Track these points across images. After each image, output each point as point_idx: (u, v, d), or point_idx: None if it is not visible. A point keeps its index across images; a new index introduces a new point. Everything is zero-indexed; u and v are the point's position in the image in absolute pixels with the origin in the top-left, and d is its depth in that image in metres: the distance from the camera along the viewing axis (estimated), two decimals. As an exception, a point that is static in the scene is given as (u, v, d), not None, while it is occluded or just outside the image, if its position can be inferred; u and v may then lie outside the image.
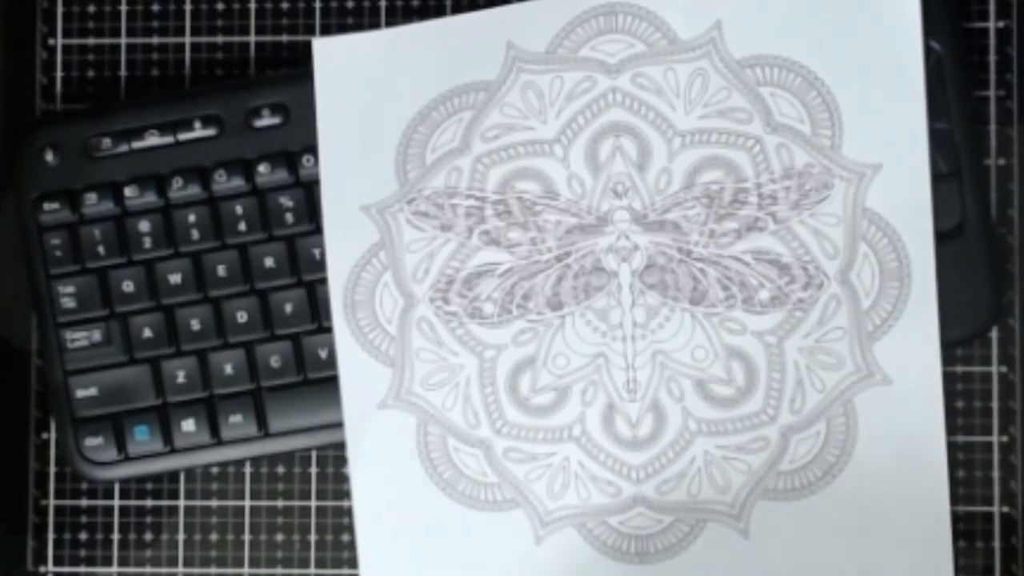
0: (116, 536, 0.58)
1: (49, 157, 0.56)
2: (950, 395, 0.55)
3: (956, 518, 0.55)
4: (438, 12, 0.57)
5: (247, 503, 0.57)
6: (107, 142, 0.56)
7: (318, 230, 0.55)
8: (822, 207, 0.53)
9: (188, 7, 0.58)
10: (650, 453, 0.54)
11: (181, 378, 0.55)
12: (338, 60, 0.55)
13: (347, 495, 0.57)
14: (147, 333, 0.55)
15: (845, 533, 0.53)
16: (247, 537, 0.57)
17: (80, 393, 0.56)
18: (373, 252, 0.54)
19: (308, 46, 0.56)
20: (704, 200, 0.54)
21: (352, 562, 0.57)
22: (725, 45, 0.53)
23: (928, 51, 0.53)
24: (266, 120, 0.55)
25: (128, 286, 0.56)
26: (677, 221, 0.54)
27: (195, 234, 0.55)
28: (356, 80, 0.55)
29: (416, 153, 0.54)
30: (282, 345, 0.55)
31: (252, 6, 0.58)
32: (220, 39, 0.58)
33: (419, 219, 0.54)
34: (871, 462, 0.53)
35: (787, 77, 0.53)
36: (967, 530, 0.55)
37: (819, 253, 0.53)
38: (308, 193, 0.55)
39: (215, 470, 0.57)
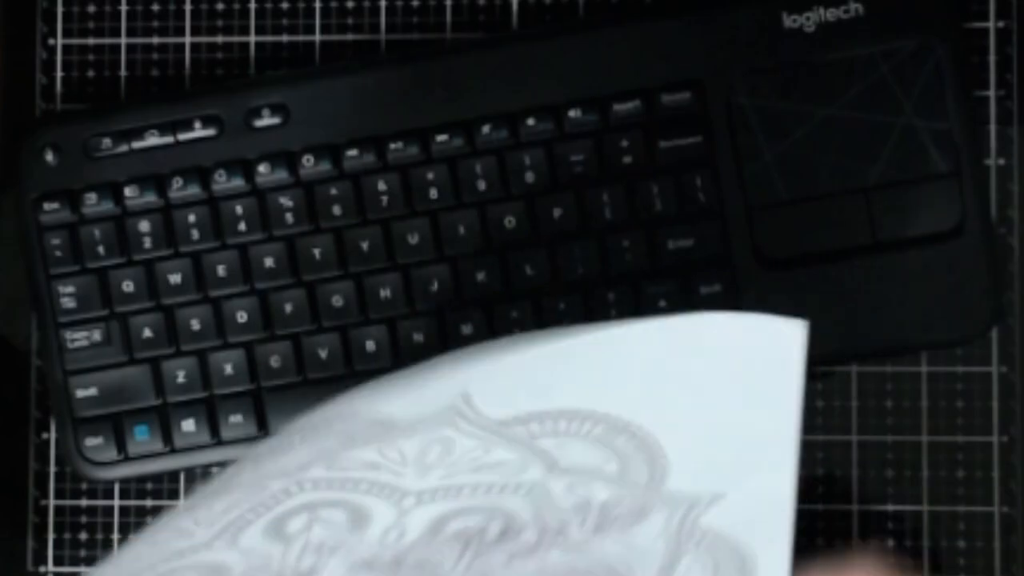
0: (116, 536, 0.58)
1: (49, 157, 0.56)
2: (950, 395, 0.55)
3: (956, 518, 0.55)
4: (438, 12, 0.57)
5: (247, 503, 0.57)
6: (107, 142, 0.56)
7: (318, 230, 0.55)
8: (637, 529, 0.40)
9: (188, 7, 0.58)
10: None
11: (181, 378, 0.55)
12: None
13: (347, 495, 0.57)
14: (147, 333, 0.55)
15: None
16: (247, 537, 0.57)
17: (80, 393, 0.56)
18: None
19: (308, 46, 0.56)
20: (456, 544, 0.39)
21: (352, 562, 0.57)
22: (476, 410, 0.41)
23: (928, 51, 0.53)
24: (266, 120, 0.55)
25: (128, 286, 0.56)
26: (419, 562, 0.39)
27: (195, 234, 0.55)
28: None
29: None
30: (282, 345, 0.55)
31: (252, 6, 0.58)
32: (220, 39, 0.58)
33: None
34: None
35: (581, 427, 0.41)
36: (966, 530, 0.55)
37: (633, 560, 0.39)
38: (308, 193, 0.55)
39: (215, 470, 0.57)
